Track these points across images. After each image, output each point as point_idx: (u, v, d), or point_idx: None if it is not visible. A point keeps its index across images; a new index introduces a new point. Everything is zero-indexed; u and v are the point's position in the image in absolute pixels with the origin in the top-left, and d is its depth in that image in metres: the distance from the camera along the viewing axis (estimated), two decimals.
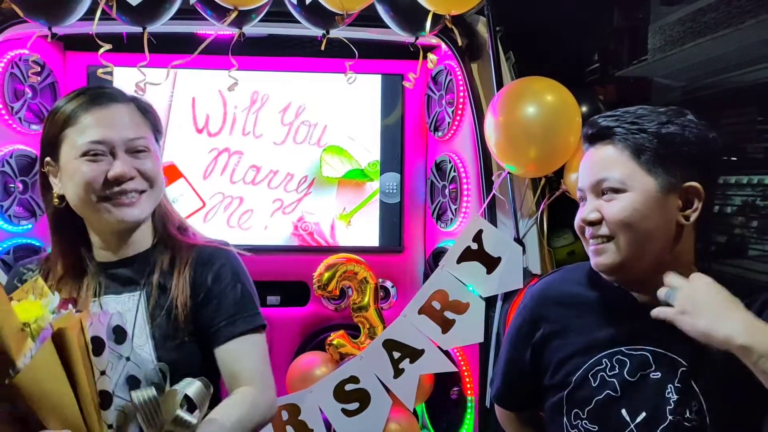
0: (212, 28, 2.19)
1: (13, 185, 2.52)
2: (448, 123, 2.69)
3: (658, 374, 1.15)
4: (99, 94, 1.31)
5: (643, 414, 1.15)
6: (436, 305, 2.33)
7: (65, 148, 1.27)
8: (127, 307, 1.30)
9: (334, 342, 2.54)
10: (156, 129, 1.37)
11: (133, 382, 1.15)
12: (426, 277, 2.75)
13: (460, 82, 2.55)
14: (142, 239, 1.36)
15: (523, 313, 1.37)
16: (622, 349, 1.19)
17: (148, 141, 1.31)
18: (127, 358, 1.16)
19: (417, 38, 2.11)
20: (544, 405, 1.32)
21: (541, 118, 2.13)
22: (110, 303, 1.30)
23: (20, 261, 1.45)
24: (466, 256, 2.31)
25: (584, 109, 2.29)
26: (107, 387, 1.10)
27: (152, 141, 1.34)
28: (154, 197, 1.33)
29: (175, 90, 2.82)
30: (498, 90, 2.30)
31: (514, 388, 1.41)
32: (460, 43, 2.33)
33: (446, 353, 2.40)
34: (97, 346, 1.09)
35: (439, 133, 2.79)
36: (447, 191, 2.74)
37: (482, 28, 2.45)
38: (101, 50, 1.90)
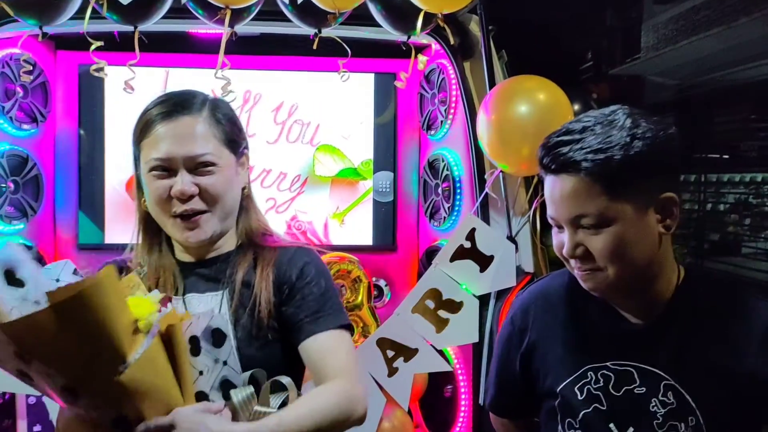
0: (205, 27, 2.18)
1: (4, 185, 2.50)
2: (441, 121, 2.69)
3: (643, 389, 1.14)
4: (175, 103, 1.31)
5: (631, 429, 1.14)
6: (430, 304, 2.33)
7: (142, 160, 1.29)
8: (210, 306, 1.29)
9: None
10: (231, 140, 1.32)
11: (227, 387, 1.13)
12: (420, 275, 2.75)
13: (453, 81, 2.55)
14: (225, 244, 1.36)
15: (511, 322, 1.36)
16: (608, 364, 1.18)
17: (215, 156, 1.27)
18: (224, 362, 1.14)
19: (409, 37, 2.11)
20: (540, 411, 1.32)
21: (534, 117, 2.13)
22: (193, 302, 1.31)
23: (109, 261, 1.39)
24: (460, 254, 2.32)
25: (576, 107, 2.30)
26: (203, 388, 1.10)
27: (222, 154, 1.29)
28: (218, 215, 1.30)
29: (166, 89, 2.80)
30: (490, 88, 2.30)
31: (508, 395, 1.40)
32: (452, 42, 2.33)
33: (439, 352, 2.40)
34: (194, 346, 1.10)
35: (432, 132, 2.79)
36: (440, 190, 2.74)
37: (474, 26, 2.46)
38: (92, 47, 1.89)
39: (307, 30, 2.17)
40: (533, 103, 2.14)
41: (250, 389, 1.12)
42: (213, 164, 1.27)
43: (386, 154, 2.94)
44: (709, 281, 1.21)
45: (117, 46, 2.20)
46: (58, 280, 1.07)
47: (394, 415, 2.48)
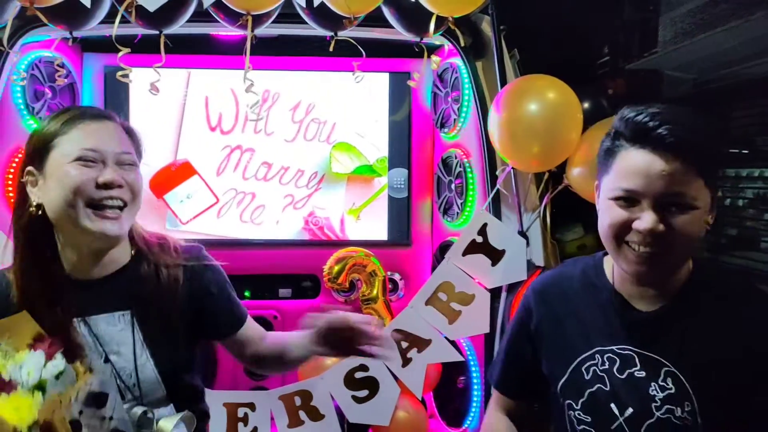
0: (226, 30, 2.26)
1: None
2: (454, 120, 2.75)
3: (643, 373, 1.20)
4: (90, 110, 1.38)
5: (631, 410, 1.20)
6: (443, 297, 2.40)
7: (54, 154, 1.29)
8: (120, 327, 1.34)
9: None
10: (138, 151, 1.42)
11: None
12: (434, 270, 2.81)
13: (466, 80, 2.61)
14: (120, 256, 1.39)
15: (524, 306, 1.43)
16: (614, 348, 1.24)
17: (134, 157, 1.37)
18: (110, 418, 1.22)
19: (421, 39, 2.17)
20: (545, 394, 1.38)
21: (544, 115, 2.19)
22: (100, 324, 1.33)
23: None
24: (472, 248, 2.39)
25: (586, 105, 2.34)
26: None
27: (135, 159, 1.38)
28: (133, 212, 1.36)
29: (188, 89, 2.90)
30: (502, 86, 2.36)
31: (514, 374, 1.46)
32: (462, 44, 2.39)
33: (452, 343, 2.48)
34: (76, 427, 1.15)
35: (446, 130, 2.86)
36: (453, 186, 2.81)
37: (486, 26, 2.51)
38: (120, 54, 1.98)
39: (324, 32, 2.24)
40: (543, 101, 2.20)
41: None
42: (134, 164, 1.36)
43: (401, 152, 3.01)
44: (717, 275, 1.26)
45: (140, 48, 2.28)
46: None
47: (408, 404, 2.55)
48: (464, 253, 2.39)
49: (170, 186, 2.91)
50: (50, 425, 1.10)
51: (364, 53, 2.25)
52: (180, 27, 2.13)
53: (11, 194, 2.54)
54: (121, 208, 1.31)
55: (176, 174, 2.92)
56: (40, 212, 1.31)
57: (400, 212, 3.03)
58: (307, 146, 2.97)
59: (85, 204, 1.28)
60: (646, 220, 1.13)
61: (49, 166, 1.30)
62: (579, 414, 1.27)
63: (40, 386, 1.13)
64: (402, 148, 3.01)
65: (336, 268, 2.68)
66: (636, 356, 1.21)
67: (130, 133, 1.41)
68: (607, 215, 1.18)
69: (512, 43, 2.63)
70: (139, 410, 1.30)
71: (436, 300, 2.41)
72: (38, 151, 1.32)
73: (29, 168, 1.33)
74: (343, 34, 2.20)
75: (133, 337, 1.34)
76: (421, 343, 2.44)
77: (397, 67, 2.97)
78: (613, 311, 1.26)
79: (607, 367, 1.24)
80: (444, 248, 2.84)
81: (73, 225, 1.29)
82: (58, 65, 2.16)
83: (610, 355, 1.24)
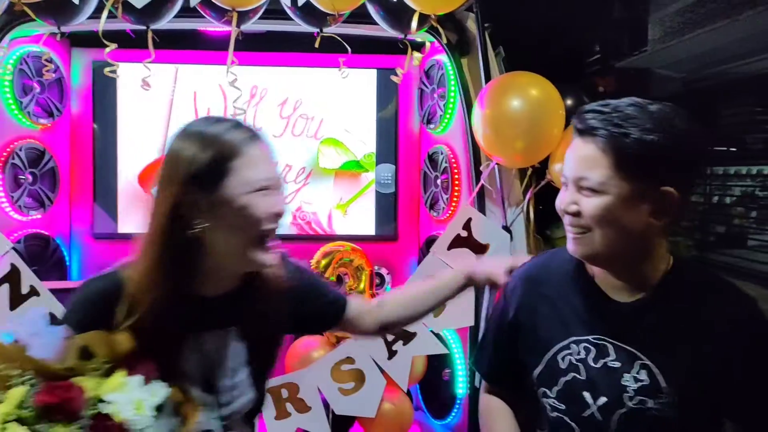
0: (213, 25, 2.28)
1: (23, 177, 2.63)
2: (440, 116, 2.78)
3: (617, 363, 1.21)
4: (251, 128, 1.24)
5: (604, 399, 1.21)
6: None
7: (233, 180, 1.16)
8: (224, 343, 1.30)
9: None
10: None
11: None
12: (420, 264, 2.84)
13: (451, 77, 2.64)
14: (235, 276, 1.31)
15: (505, 294, 1.43)
16: (589, 337, 1.25)
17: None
18: None
19: (405, 36, 2.20)
20: (525, 382, 1.41)
21: (527, 111, 2.22)
22: (208, 339, 1.28)
23: (90, 280, 1.25)
24: (456, 242, 2.42)
25: (569, 102, 2.38)
26: None
27: None
28: None
29: (176, 85, 2.92)
30: (486, 83, 2.39)
31: (498, 364, 1.46)
32: (445, 41, 2.42)
33: (437, 336, 2.51)
34: None
35: (432, 126, 2.89)
36: (439, 181, 2.84)
37: (471, 24, 2.54)
38: (108, 49, 2.00)
39: (306, 28, 2.27)
40: (526, 98, 2.23)
41: None
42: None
43: (388, 147, 3.04)
44: (695, 272, 1.28)
45: (128, 43, 2.30)
46: (35, 335, 1.08)
47: (394, 396, 2.58)
48: (449, 247, 2.42)
49: None
50: None
51: (350, 50, 2.27)
52: (167, 22, 2.15)
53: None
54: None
55: None
56: (202, 233, 1.19)
57: (387, 207, 3.06)
58: (294, 142, 3.00)
59: (259, 236, 1.20)
60: (560, 198, 1.22)
61: (225, 192, 1.17)
62: (553, 402, 1.28)
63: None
64: (389, 143, 3.04)
65: (323, 262, 2.71)
66: (611, 346, 1.23)
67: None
68: (558, 198, 1.25)
69: (498, 40, 2.67)
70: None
71: None
72: (212, 170, 1.17)
73: (193, 187, 1.17)
74: (329, 31, 2.22)
75: (233, 352, 1.30)
76: (406, 336, 2.46)
77: (384, 63, 3.00)
78: (591, 301, 1.28)
79: (582, 356, 1.25)
80: (430, 243, 2.87)
81: (238, 254, 1.21)
82: (46, 60, 2.17)
83: (585, 344, 1.25)
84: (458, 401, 2.71)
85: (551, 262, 1.39)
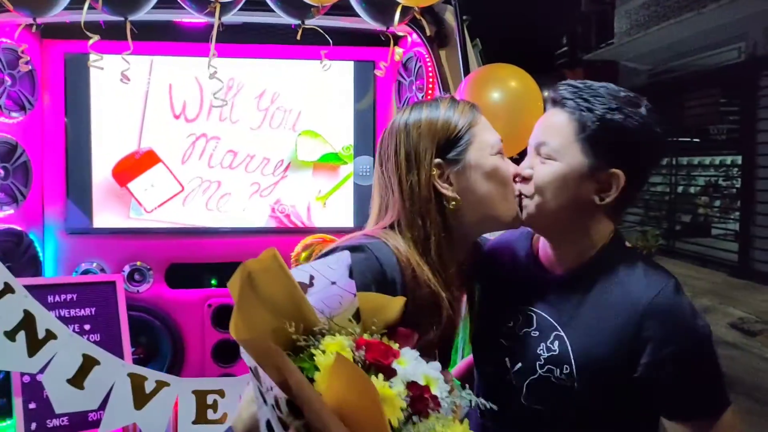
0: (190, 16, 2.26)
1: None
2: None
3: (537, 333, 1.28)
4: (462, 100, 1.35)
5: (520, 364, 1.28)
6: None
7: (475, 147, 1.25)
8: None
9: None
10: None
11: None
12: None
13: (429, 69, 2.65)
14: None
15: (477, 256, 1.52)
16: (522, 307, 1.32)
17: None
18: None
19: (387, 28, 2.21)
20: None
21: (506, 103, 2.24)
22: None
23: (373, 242, 1.23)
24: None
25: (546, 94, 2.41)
26: None
27: None
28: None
29: (151, 77, 2.88)
30: (465, 76, 2.41)
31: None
32: (428, 33, 2.43)
33: None
34: None
35: None
36: None
37: (450, 16, 2.56)
38: (91, 41, 1.96)
39: (289, 20, 2.25)
40: (505, 90, 2.25)
41: None
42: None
43: (366, 139, 3.04)
44: (622, 253, 1.30)
45: (103, 34, 2.26)
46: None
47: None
48: None
49: (134, 174, 2.89)
50: None
51: (331, 42, 2.27)
52: (145, 13, 2.12)
53: None
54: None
55: (140, 162, 2.90)
56: (459, 204, 1.24)
57: (366, 199, 3.04)
58: (272, 134, 2.98)
59: (511, 195, 1.27)
60: (521, 164, 1.30)
61: (470, 160, 1.24)
62: (483, 366, 1.40)
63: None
64: (367, 135, 3.04)
65: (303, 255, 2.69)
66: (535, 317, 1.29)
67: None
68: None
69: (474, 32, 2.69)
70: None
71: None
72: (448, 143, 1.24)
73: (437, 160, 1.24)
74: (308, 23, 2.21)
75: None
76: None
77: (361, 55, 3.00)
78: (528, 274, 1.35)
79: (511, 324, 1.32)
80: None
81: (494, 218, 1.26)
82: (21, 52, 2.12)
83: (518, 314, 1.32)
84: None
85: (509, 240, 1.47)
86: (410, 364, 0.91)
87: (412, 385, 0.89)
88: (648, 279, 1.23)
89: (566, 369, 1.23)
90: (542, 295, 1.30)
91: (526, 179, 1.26)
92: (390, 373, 0.89)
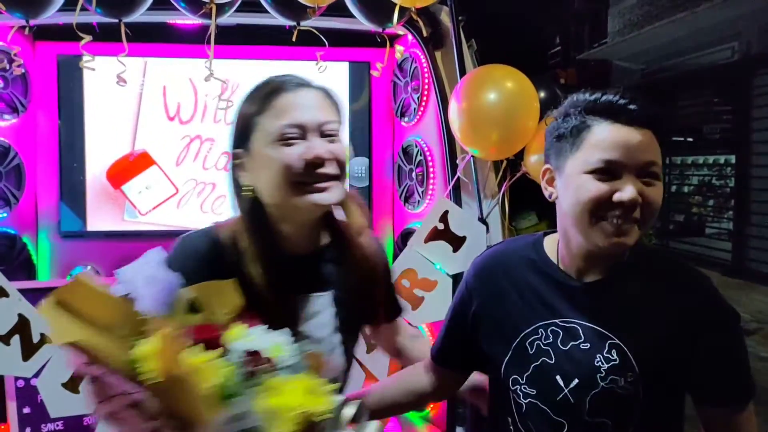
0: (183, 17, 2.25)
1: None
2: (414, 109, 2.79)
3: (588, 345, 1.23)
4: (285, 80, 1.26)
5: (576, 381, 1.23)
6: (406, 283, 2.44)
7: (256, 136, 1.21)
8: (323, 307, 1.30)
9: None
10: (341, 117, 1.30)
11: None
12: (395, 257, 2.85)
13: (425, 70, 2.65)
14: (323, 235, 1.33)
15: (466, 282, 1.44)
16: (557, 321, 1.27)
17: (338, 126, 1.26)
18: None
19: (384, 29, 2.20)
20: (486, 369, 1.43)
21: (502, 104, 2.25)
22: (308, 303, 1.29)
23: (186, 237, 1.27)
24: (433, 235, 2.43)
25: (542, 94, 2.41)
26: None
27: (340, 128, 1.28)
28: (343, 185, 1.26)
29: (145, 79, 2.86)
30: (461, 77, 2.41)
31: (449, 347, 1.47)
32: (425, 34, 2.43)
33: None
34: None
35: (406, 119, 2.89)
36: (414, 174, 2.85)
37: (445, 17, 2.55)
38: (83, 42, 1.95)
39: (283, 21, 2.24)
40: (501, 91, 2.25)
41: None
42: (338, 133, 1.26)
43: (361, 141, 3.03)
44: (655, 252, 1.32)
45: (96, 36, 2.24)
46: (150, 281, 1.05)
47: None
48: (426, 240, 2.44)
49: (128, 177, 2.87)
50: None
51: (327, 43, 2.26)
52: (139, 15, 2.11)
53: None
54: (333, 179, 1.22)
55: (134, 164, 2.88)
56: (254, 194, 1.23)
57: (363, 199, 3.05)
58: None
59: (295, 185, 1.19)
60: (629, 191, 1.16)
61: (254, 149, 1.21)
62: (525, 387, 1.30)
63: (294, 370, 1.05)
64: (362, 137, 3.03)
65: None
66: (580, 328, 1.25)
67: (330, 97, 1.30)
68: (585, 190, 1.19)
69: (470, 33, 2.69)
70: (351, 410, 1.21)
71: (399, 287, 2.44)
72: (241, 133, 1.23)
73: (238, 150, 1.24)
74: (304, 24, 2.21)
75: (330, 317, 1.30)
76: None
77: (356, 56, 2.99)
78: (555, 285, 1.29)
79: (551, 340, 1.26)
80: (405, 236, 2.88)
81: (286, 202, 1.21)
82: (14, 55, 2.10)
83: (553, 328, 1.27)
84: None
85: (509, 250, 1.40)
86: (255, 336, 1.04)
87: (251, 354, 1.02)
88: (687, 275, 1.25)
89: (630, 377, 1.20)
90: (579, 304, 1.26)
91: (633, 207, 1.17)
92: (215, 346, 1.01)
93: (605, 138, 1.18)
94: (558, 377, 1.25)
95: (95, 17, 2.15)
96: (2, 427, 2.56)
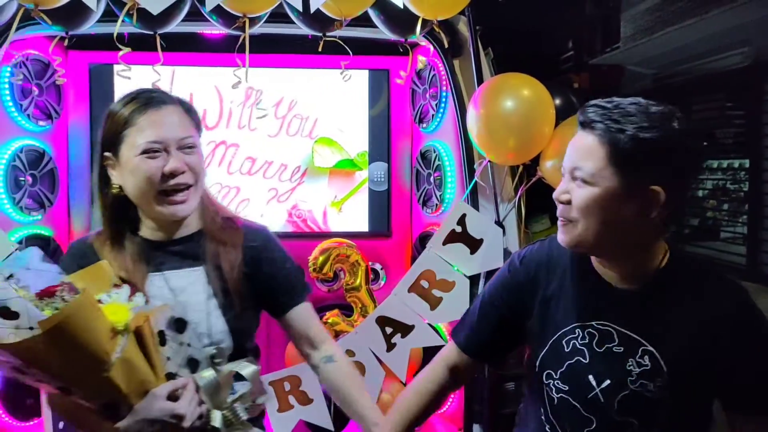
0: (214, 29, 2.34)
1: (23, 179, 2.66)
2: (433, 115, 2.87)
3: (621, 348, 1.29)
4: (152, 97, 1.46)
5: (608, 381, 1.29)
6: (425, 284, 2.52)
7: (125, 146, 1.40)
8: (190, 281, 1.48)
9: (329, 320, 2.73)
10: (198, 127, 1.51)
11: (193, 364, 1.36)
12: (413, 259, 2.93)
13: (443, 78, 2.73)
14: (192, 223, 1.52)
15: (508, 270, 1.48)
16: (593, 323, 1.32)
17: (195, 139, 1.46)
18: (188, 344, 1.36)
19: (406, 40, 2.28)
20: (503, 359, 1.49)
21: (519, 111, 2.33)
22: (172, 277, 1.47)
23: (73, 241, 1.58)
24: (451, 238, 2.51)
25: (557, 101, 2.49)
26: (171, 369, 1.32)
27: (197, 138, 1.48)
28: (199, 190, 1.47)
29: (173, 87, 2.96)
30: (479, 84, 2.49)
31: (486, 336, 1.49)
32: (446, 45, 2.51)
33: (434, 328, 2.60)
34: (162, 338, 1.31)
35: (424, 125, 2.97)
36: (432, 179, 2.93)
37: (463, 27, 2.63)
38: (121, 53, 2.05)
39: (306, 30, 2.33)
40: (518, 98, 2.33)
41: (211, 375, 1.35)
42: (195, 145, 1.46)
43: (380, 146, 3.12)
44: (691, 262, 1.35)
45: (126, 45, 2.33)
46: (28, 269, 1.24)
47: (393, 387, 2.67)
48: (444, 242, 2.51)
49: None
50: (141, 331, 1.23)
51: (351, 52, 2.35)
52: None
53: (0, 190, 2.60)
54: (188, 188, 1.43)
55: None
56: (121, 191, 1.44)
57: (381, 204, 3.14)
58: (289, 141, 3.06)
59: (156, 192, 1.41)
60: (557, 188, 1.28)
61: (122, 157, 1.42)
62: (558, 383, 1.35)
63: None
64: (382, 142, 3.12)
65: (321, 258, 2.78)
66: (615, 332, 1.30)
67: (189, 111, 1.49)
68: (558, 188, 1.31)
69: (486, 42, 2.77)
70: (212, 348, 1.41)
71: (418, 287, 2.52)
72: (111, 141, 1.43)
73: (107, 153, 1.44)
74: (331, 35, 2.29)
75: (202, 290, 1.47)
76: (404, 329, 2.55)
77: (376, 64, 3.08)
78: (594, 288, 1.34)
79: (587, 341, 1.32)
80: (423, 239, 2.97)
81: (149, 206, 1.43)
82: (55, 66, 2.21)
83: (590, 330, 1.32)
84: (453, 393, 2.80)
85: (552, 249, 1.44)
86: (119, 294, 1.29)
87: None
88: (722, 285, 1.29)
89: (659, 382, 1.25)
90: (616, 309, 1.31)
91: (564, 203, 1.27)
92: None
93: (569, 144, 1.30)
94: (590, 377, 1.31)
95: (128, 28, 2.24)
96: (37, 420, 2.66)
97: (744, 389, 1.26)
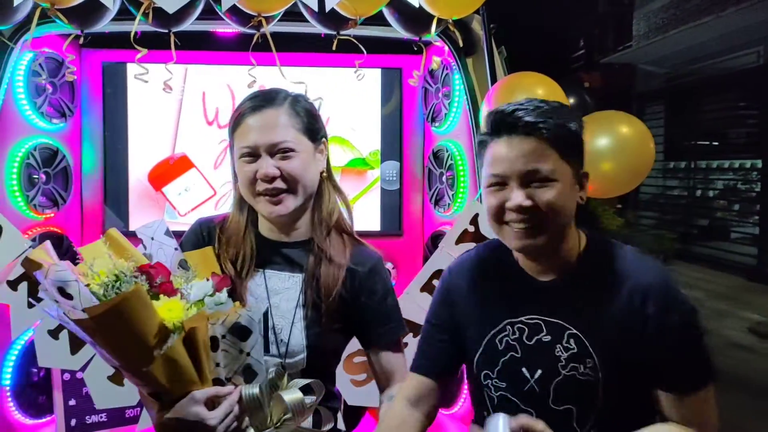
0: (228, 27, 2.34)
1: (36, 176, 2.67)
2: (445, 114, 2.86)
3: (549, 337, 1.34)
4: (261, 98, 1.50)
5: (539, 371, 1.34)
6: (437, 284, 2.51)
7: (235, 148, 1.49)
8: (287, 286, 1.51)
9: None
10: (308, 129, 1.51)
11: (249, 373, 1.36)
12: (425, 259, 2.92)
13: (456, 76, 2.72)
14: (304, 228, 1.55)
15: (442, 285, 1.56)
16: (522, 318, 1.37)
17: (294, 143, 1.46)
18: (248, 353, 1.35)
19: (420, 39, 2.28)
20: (465, 369, 1.51)
21: None
22: (272, 278, 1.52)
23: (201, 218, 1.65)
24: (464, 237, 2.50)
25: (571, 100, 2.47)
26: (220, 375, 1.34)
27: (300, 142, 1.47)
28: (299, 194, 1.48)
29: (186, 85, 2.97)
30: (492, 83, 2.48)
31: (432, 354, 1.52)
32: (461, 44, 2.50)
33: None
34: (214, 344, 1.32)
35: (437, 124, 2.96)
36: (444, 178, 2.92)
37: (477, 25, 2.62)
38: (139, 55, 2.05)
39: (319, 29, 2.33)
40: (531, 97, 2.31)
41: (256, 389, 1.34)
42: (292, 150, 1.45)
43: (392, 145, 3.11)
44: (608, 244, 1.40)
45: (138, 43, 2.32)
46: (152, 239, 1.43)
47: None
48: (457, 242, 2.50)
49: (168, 179, 2.98)
50: (192, 333, 1.26)
51: (365, 51, 2.34)
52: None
53: (14, 188, 2.61)
54: (283, 192, 1.46)
55: (174, 167, 2.99)
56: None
57: (393, 203, 3.13)
58: None
59: (256, 194, 1.47)
60: (513, 197, 1.29)
61: (234, 157, 1.52)
62: (496, 381, 1.40)
63: (198, 304, 1.33)
64: (394, 141, 3.11)
65: None
66: (542, 323, 1.35)
67: (298, 114, 1.50)
68: (486, 202, 1.35)
69: (500, 40, 2.75)
70: (275, 360, 1.43)
71: (430, 287, 2.51)
72: (230, 142, 1.53)
73: (231, 152, 1.54)
74: (345, 33, 2.29)
75: (297, 298, 1.49)
76: (416, 328, 2.53)
77: (388, 63, 3.07)
78: (519, 285, 1.40)
79: (517, 336, 1.37)
80: (435, 238, 2.95)
81: (254, 206, 1.52)
82: (68, 64, 2.21)
83: (519, 325, 1.37)
84: (465, 392, 2.79)
85: (480, 254, 1.53)
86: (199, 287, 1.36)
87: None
88: (640, 262, 1.34)
89: (589, 363, 1.30)
90: (541, 301, 1.36)
91: (527, 210, 1.28)
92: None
93: (493, 154, 1.32)
94: (524, 369, 1.35)
95: (140, 26, 2.24)
96: (49, 417, 2.68)
97: (673, 365, 1.28)
